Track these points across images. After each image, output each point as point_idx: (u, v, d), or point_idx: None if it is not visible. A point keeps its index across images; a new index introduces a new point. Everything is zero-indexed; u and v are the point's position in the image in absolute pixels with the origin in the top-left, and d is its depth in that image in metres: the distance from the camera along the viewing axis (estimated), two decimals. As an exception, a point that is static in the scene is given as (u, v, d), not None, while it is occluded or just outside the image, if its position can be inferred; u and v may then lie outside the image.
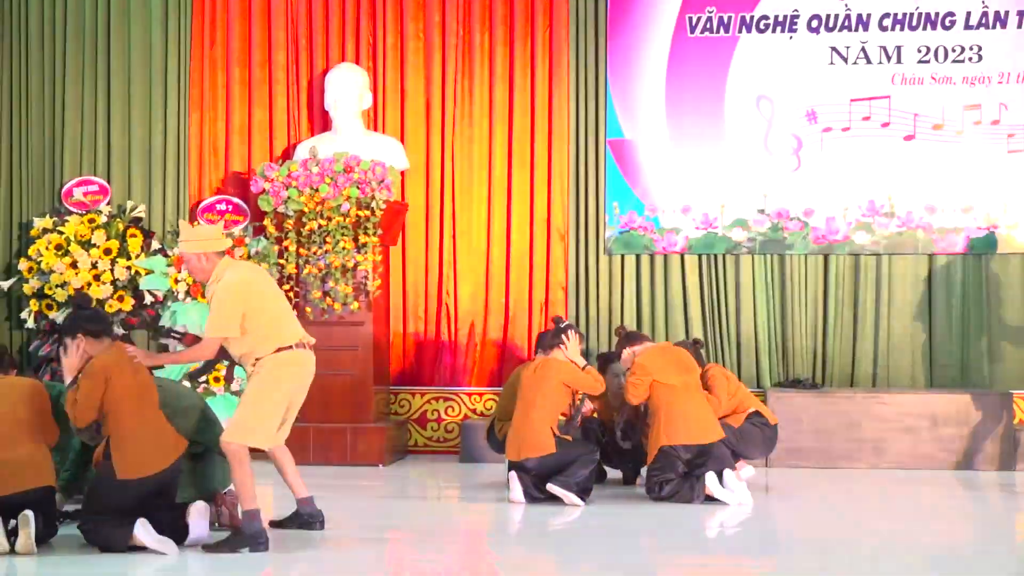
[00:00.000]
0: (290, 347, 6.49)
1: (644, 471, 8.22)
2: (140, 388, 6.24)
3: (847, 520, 7.42)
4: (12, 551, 6.03)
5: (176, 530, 6.23)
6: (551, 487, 7.61)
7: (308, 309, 9.47)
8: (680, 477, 7.74)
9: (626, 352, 8.11)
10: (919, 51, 9.85)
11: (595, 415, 8.35)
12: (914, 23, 9.85)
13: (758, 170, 9.95)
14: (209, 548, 6.23)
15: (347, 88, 9.92)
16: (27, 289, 10.03)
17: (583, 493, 7.66)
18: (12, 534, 6.04)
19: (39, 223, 10.14)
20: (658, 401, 7.85)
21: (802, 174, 9.93)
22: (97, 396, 6.15)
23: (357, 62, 10.25)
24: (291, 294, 9.51)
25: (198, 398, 7.03)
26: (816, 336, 9.99)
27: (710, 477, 7.66)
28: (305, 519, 6.80)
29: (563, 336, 7.94)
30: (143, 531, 6.07)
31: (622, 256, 10.08)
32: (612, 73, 10.06)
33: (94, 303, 7.23)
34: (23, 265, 10.08)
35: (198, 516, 6.26)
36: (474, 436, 9.61)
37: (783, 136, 9.94)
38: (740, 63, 9.96)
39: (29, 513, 6.00)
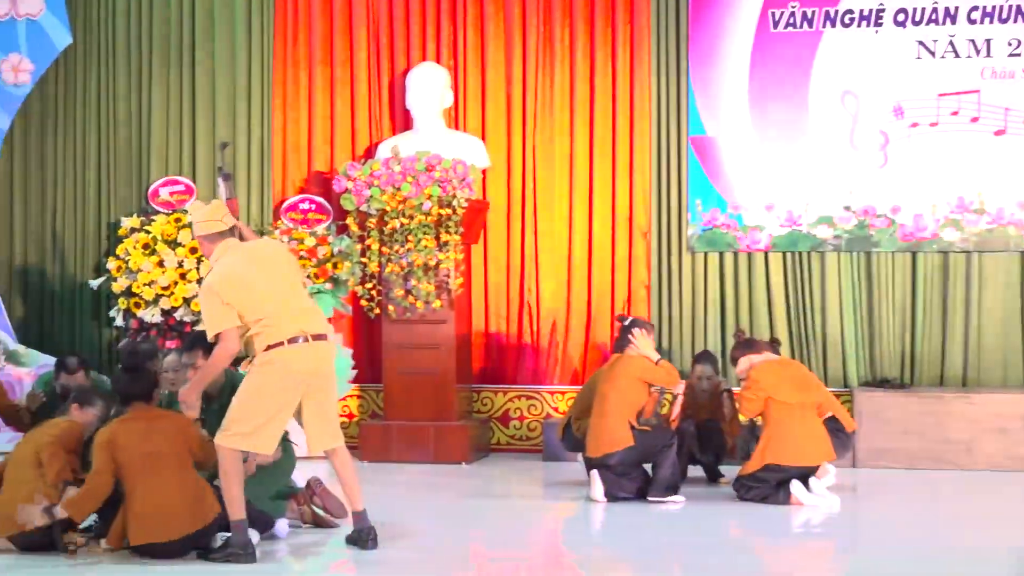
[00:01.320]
0: (281, 343, 6.12)
1: (730, 472, 8.27)
2: (149, 458, 6.05)
3: (935, 523, 7.39)
4: None
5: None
6: (651, 499, 7.69)
7: (391, 307, 9.60)
8: (772, 485, 7.77)
9: (743, 361, 8.05)
10: (1009, 44, 9.73)
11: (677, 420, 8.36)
12: (1004, 15, 9.73)
13: (843, 166, 9.86)
14: (203, 555, 6.16)
15: (428, 87, 10.01)
16: (116, 288, 10.26)
17: (676, 489, 7.72)
18: None
19: (127, 223, 10.36)
20: (770, 418, 7.81)
21: (889, 170, 9.85)
22: (105, 469, 6.05)
23: (438, 60, 10.33)
24: (373, 292, 9.65)
25: None
26: (904, 335, 9.87)
27: (796, 485, 7.68)
28: (355, 537, 6.44)
29: (629, 335, 7.95)
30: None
31: (705, 254, 10.05)
32: (694, 69, 10.03)
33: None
34: (111, 264, 10.31)
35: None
36: (557, 435, 9.66)
37: (869, 132, 9.86)
38: (824, 58, 9.87)
39: None
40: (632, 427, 7.76)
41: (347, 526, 6.74)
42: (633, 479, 7.85)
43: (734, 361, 8.14)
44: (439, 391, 9.56)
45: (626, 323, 8.04)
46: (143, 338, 9.88)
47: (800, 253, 9.96)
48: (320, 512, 6.93)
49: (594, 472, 7.81)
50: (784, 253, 9.98)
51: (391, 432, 9.52)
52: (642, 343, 7.90)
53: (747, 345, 8.14)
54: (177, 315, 9.98)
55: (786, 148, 9.93)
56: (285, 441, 6.79)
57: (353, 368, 9.99)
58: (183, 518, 6.03)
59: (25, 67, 10.56)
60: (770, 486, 7.74)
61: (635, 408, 7.85)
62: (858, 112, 9.87)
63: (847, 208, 9.88)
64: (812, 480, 7.73)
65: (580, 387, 9.70)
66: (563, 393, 10.11)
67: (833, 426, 8.13)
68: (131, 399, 6.19)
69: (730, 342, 8.85)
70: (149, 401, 6.26)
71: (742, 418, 8.36)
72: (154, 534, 6.00)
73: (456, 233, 9.45)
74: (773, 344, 8.47)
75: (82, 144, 10.83)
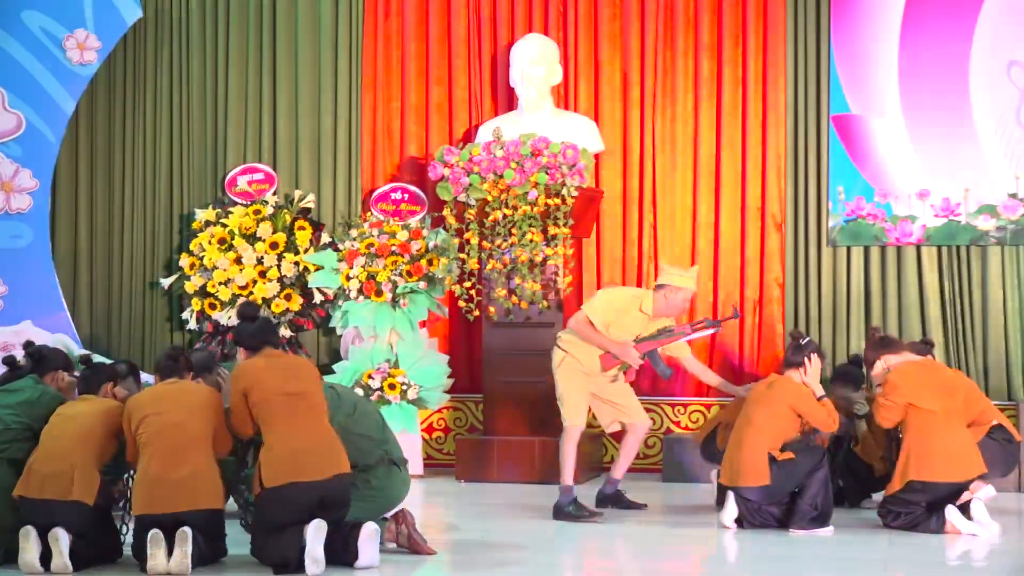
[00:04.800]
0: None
1: (876, 495, 8.09)
2: (292, 396, 6.45)
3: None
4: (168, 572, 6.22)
5: (345, 553, 6.34)
6: (793, 532, 7.51)
7: (492, 309, 9.56)
8: (923, 509, 7.57)
9: (879, 364, 7.88)
10: None
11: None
12: None
13: (1010, 148, 9.72)
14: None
15: (535, 62, 10.01)
16: (189, 287, 10.36)
17: (824, 519, 7.55)
18: (172, 552, 6.23)
19: (201, 215, 10.47)
20: (911, 427, 7.62)
21: (1062, 152, 9.70)
22: (241, 408, 6.46)
23: (546, 32, 10.31)
24: (472, 291, 9.62)
25: (372, 405, 7.22)
26: (1078, 341, 9.72)
27: (952, 511, 7.48)
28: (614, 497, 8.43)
29: (805, 357, 7.77)
30: (314, 531, 6.19)
31: (848, 248, 9.97)
32: (836, 38, 9.95)
33: (260, 313, 7.56)
34: (184, 261, 10.43)
35: (367, 540, 6.36)
36: (678, 452, 9.57)
37: (1040, 108, 9.72)
38: (988, 24, 9.74)
39: (187, 530, 6.19)
40: (772, 460, 7.58)
41: (444, 552, 6.79)
42: (774, 504, 7.67)
43: (869, 364, 7.99)
44: (545, 403, 9.46)
45: (803, 342, 7.85)
46: (200, 346, 9.97)
47: (958, 247, 9.84)
48: (417, 537, 6.90)
49: (731, 494, 7.64)
50: (939, 247, 9.86)
51: (491, 448, 9.48)
52: (814, 371, 7.77)
53: (883, 344, 7.98)
54: (256, 317, 10.01)
55: (943, 127, 9.82)
56: (395, 466, 6.99)
57: (449, 377, 9.97)
58: (324, 460, 6.38)
59: (91, 44, 10.72)
60: (920, 510, 7.56)
61: (781, 439, 7.67)
62: (1027, 85, 9.75)
63: (1013, 196, 9.71)
64: (975, 503, 7.50)
65: (705, 399, 9.65)
66: (685, 406, 10.04)
67: (1002, 436, 7.95)
68: (264, 345, 6.68)
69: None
70: (277, 346, 6.80)
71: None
72: (293, 474, 6.28)
73: (565, 225, 9.41)
74: (926, 344, 8.29)
75: (153, 129, 10.98)
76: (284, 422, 6.38)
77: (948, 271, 9.84)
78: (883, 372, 7.84)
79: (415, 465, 9.75)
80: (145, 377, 8.25)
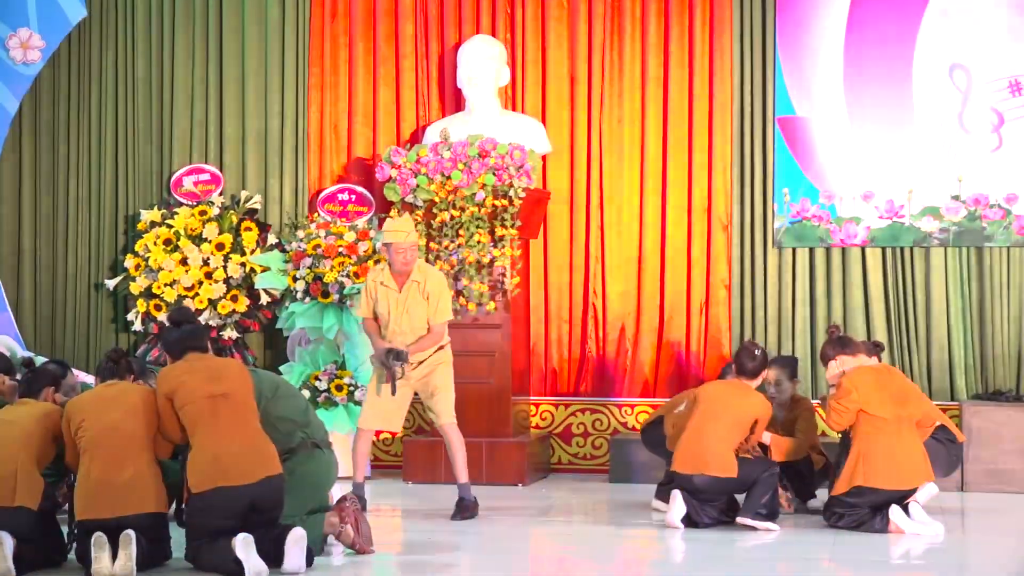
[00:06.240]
0: None
1: (820, 495, 8.17)
2: (216, 399, 6.40)
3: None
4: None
5: (273, 555, 6.31)
6: (741, 520, 7.60)
7: (439, 310, 9.57)
8: (867, 510, 7.64)
9: (834, 364, 7.89)
10: None
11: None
12: None
13: (952, 150, 9.79)
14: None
15: (482, 63, 10.01)
16: (134, 288, 10.31)
17: (772, 516, 7.63)
18: (116, 556, 6.22)
19: (146, 216, 10.42)
20: (861, 433, 7.66)
21: (1004, 154, 9.74)
22: (168, 414, 6.43)
23: (493, 34, 10.32)
24: (421, 294, 9.62)
25: (295, 389, 7.34)
26: (1020, 342, 9.80)
27: (895, 511, 7.54)
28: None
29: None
30: (242, 544, 6.16)
31: (793, 249, 10.01)
32: (782, 41, 9.98)
33: (191, 318, 7.48)
34: (130, 262, 10.37)
35: (293, 545, 6.32)
36: (626, 453, 9.60)
37: (981, 111, 9.76)
38: (931, 27, 9.81)
39: (131, 533, 6.17)
40: (737, 455, 7.68)
41: (383, 553, 6.81)
42: (716, 505, 7.74)
43: (824, 360, 8.00)
44: (492, 404, 9.55)
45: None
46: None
47: (902, 248, 9.90)
48: (358, 539, 6.88)
49: (677, 492, 7.68)
50: (883, 248, 9.91)
51: (438, 450, 9.46)
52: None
53: (841, 344, 7.98)
54: (202, 319, 9.98)
55: (886, 129, 9.87)
56: (318, 449, 6.89)
57: (397, 378, 9.96)
58: (250, 464, 6.33)
59: (35, 43, 10.65)
60: (864, 511, 7.62)
61: (736, 441, 7.77)
62: (969, 88, 9.78)
63: (955, 197, 9.79)
64: (912, 505, 7.59)
65: (652, 399, 9.75)
66: (632, 406, 10.06)
67: (945, 436, 8.06)
68: (186, 351, 6.62)
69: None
70: (204, 351, 6.74)
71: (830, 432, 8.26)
72: (218, 478, 6.25)
73: (512, 227, 9.43)
74: (875, 347, 8.35)
75: (98, 129, 10.90)
76: (208, 425, 6.35)
77: (892, 272, 9.90)
78: (838, 374, 7.86)
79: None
80: (88, 379, 8.23)
